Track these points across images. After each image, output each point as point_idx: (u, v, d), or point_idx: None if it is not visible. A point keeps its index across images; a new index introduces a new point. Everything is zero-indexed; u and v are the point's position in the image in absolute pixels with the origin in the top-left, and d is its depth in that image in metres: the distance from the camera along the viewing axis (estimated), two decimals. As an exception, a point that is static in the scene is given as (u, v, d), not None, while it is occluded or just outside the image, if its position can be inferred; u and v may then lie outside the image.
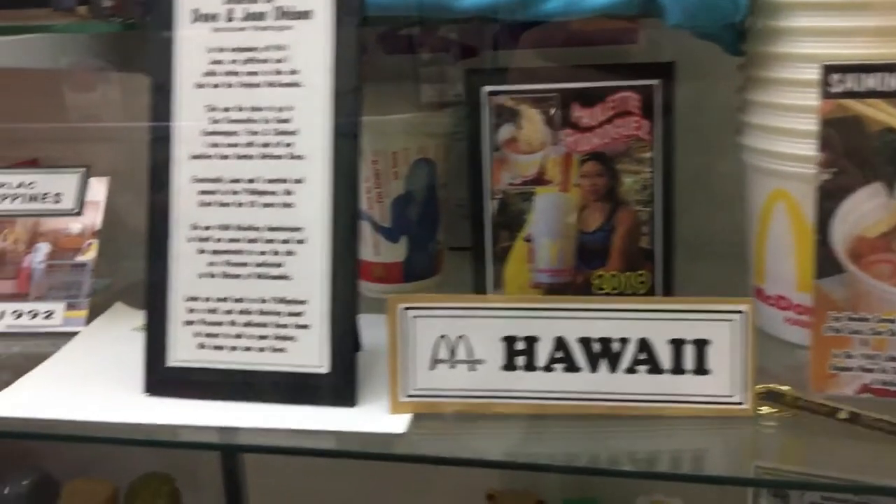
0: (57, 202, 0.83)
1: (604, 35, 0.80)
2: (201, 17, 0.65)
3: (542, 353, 0.59)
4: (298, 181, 0.63)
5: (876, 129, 0.57)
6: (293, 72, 0.63)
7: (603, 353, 0.58)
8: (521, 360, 0.59)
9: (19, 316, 0.78)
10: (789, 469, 0.58)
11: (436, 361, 0.59)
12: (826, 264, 0.58)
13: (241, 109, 0.64)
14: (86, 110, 1.00)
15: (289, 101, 0.63)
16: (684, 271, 0.73)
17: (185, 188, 0.64)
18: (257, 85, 0.63)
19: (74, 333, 0.77)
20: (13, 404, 0.65)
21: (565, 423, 0.59)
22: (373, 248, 0.79)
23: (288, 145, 0.63)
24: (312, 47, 0.63)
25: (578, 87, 0.70)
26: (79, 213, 0.82)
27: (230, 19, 0.64)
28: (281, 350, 0.63)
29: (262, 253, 0.63)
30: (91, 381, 0.68)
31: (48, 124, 0.97)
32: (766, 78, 0.65)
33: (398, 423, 0.59)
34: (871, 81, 0.56)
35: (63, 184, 0.83)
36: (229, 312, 0.64)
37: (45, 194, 0.83)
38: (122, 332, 0.76)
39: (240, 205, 0.64)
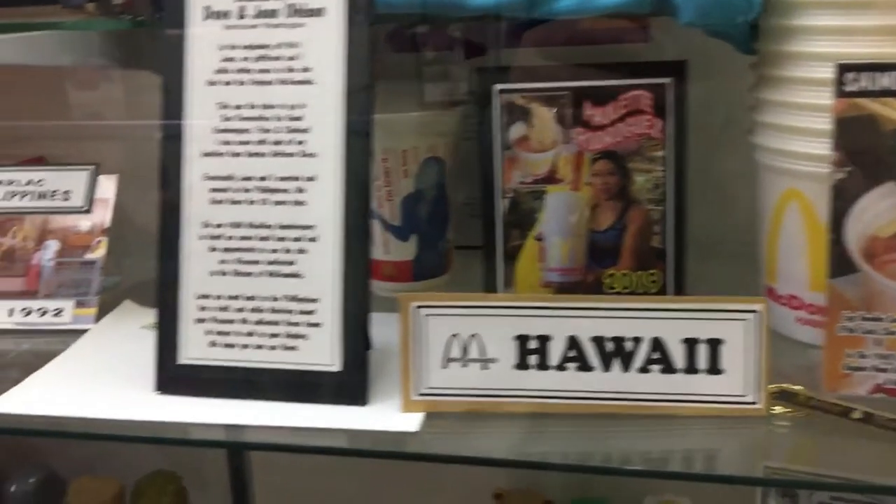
0: (66, 200, 0.83)
1: (615, 33, 0.79)
2: (213, 15, 0.64)
3: (555, 352, 0.59)
4: (310, 179, 0.62)
5: (890, 128, 0.56)
6: (305, 69, 0.63)
7: (616, 352, 0.58)
8: (533, 359, 0.59)
9: (28, 313, 0.78)
10: (798, 469, 0.58)
11: (448, 360, 0.59)
12: (840, 264, 0.58)
13: (252, 107, 0.64)
14: (93, 108, 1.00)
15: (301, 99, 0.63)
16: (695, 270, 0.73)
17: (196, 186, 0.64)
18: (269, 82, 0.63)
19: (83, 331, 0.77)
20: (23, 401, 0.65)
21: (578, 422, 0.59)
22: (383, 247, 0.79)
23: (300, 143, 0.63)
24: (324, 45, 0.62)
25: (590, 86, 0.70)
26: (88, 211, 0.82)
27: (242, 17, 0.64)
28: (292, 348, 0.63)
29: (274, 251, 0.63)
30: (100, 379, 0.68)
31: (55, 122, 0.97)
32: (779, 76, 0.65)
33: (410, 422, 0.59)
34: (885, 80, 0.56)
35: (72, 181, 0.83)
36: (241, 310, 0.63)
37: (55, 192, 0.83)
38: (131, 329, 0.76)
39: (251, 202, 0.63)
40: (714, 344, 0.58)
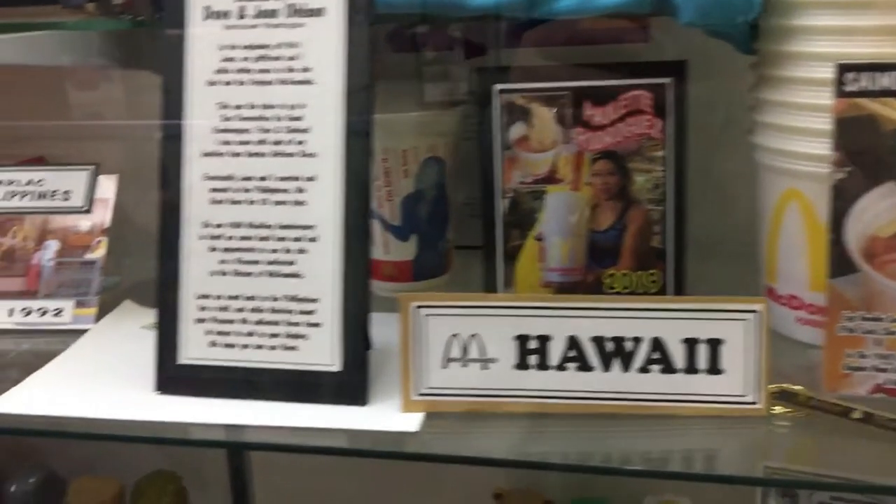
0: (66, 200, 0.83)
1: (615, 33, 0.79)
2: (213, 15, 0.64)
3: (555, 351, 0.59)
4: (310, 179, 0.62)
5: (890, 128, 0.56)
6: (305, 69, 0.63)
7: (616, 352, 0.58)
8: (533, 359, 0.59)
9: (28, 313, 0.78)
10: (798, 469, 0.58)
11: (448, 360, 0.59)
12: (840, 264, 0.58)
13: (252, 107, 0.64)
14: (93, 108, 1.00)
15: (301, 99, 0.63)
16: (695, 270, 0.73)
17: (196, 186, 0.64)
18: (269, 82, 0.63)
19: (83, 331, 0.77)
20: (22, 402, 0.65)
21: (578, 422, 0.59)
22: (383, 247, 0.79)
23: (300, 143, 0.63)
24: (324, 45, 0.62)
25: (590, 86, 0.70)
26: (88, 211, 0.82)
27: (242, 17, 0.64)
28: (292, 348, 0.63)
29: (274, 251, 0.63)
30: (100, 379, 0.68)
31: (55, 122, 0.97)
32: (779, 77, 0.65)
33: (410, 422, 0.59)
34: (885, 80, 0.56)
35: (72, 181, 0.83)
36: (241, 310, 0.63)
37: (55, 192, 0.83)
38: (131, 329, 0.76)
39: (251, 202, 0.63)
40: (714, 344, 0.58)
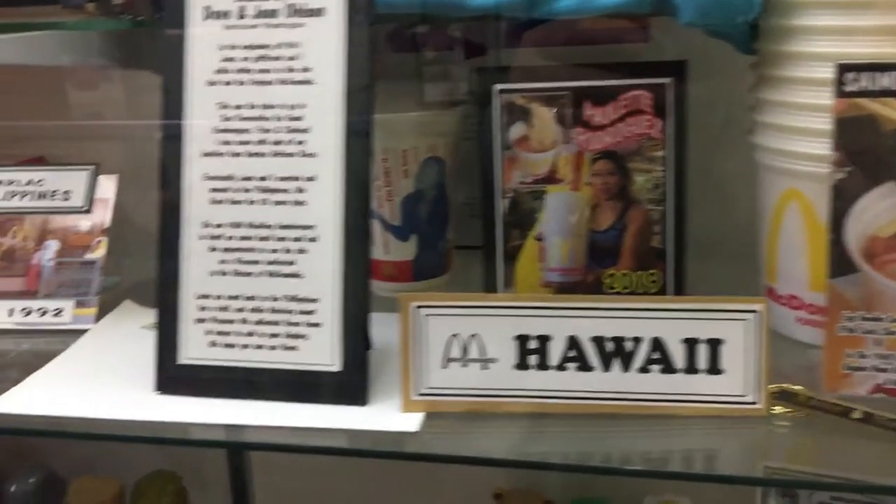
0: (66, 200, 0.83)
1: (615, 33, 0.79)
2: (213, 15, 0.64)
3: (555, 351, 0.59)
4: (310, 179, 0.62)
5: (890, 128, 0.56)
6: (305, 69, 0.63)
7: (616, 352, 0.58)
8: (533, 359, 0.59)
9: (28, 313, 0.78)
10: (798, 469, 0.58)
11: (448, 360, 0.59)
12: (840, 264, 0.58)
13: (252, 107, 0.64)
14: (93, 108, 1.00)
15: (301, 99, 0.63)
16: (695, 270, 0.73)
17: (196, 186, 0.64)
18: (269, 82, 0.63)
19: (83, 331, 0.77)
20: (22, 402, 0.65)
21: (578, 422, 0.59)
22: (383, 247, 0.79)
23: (300, 143, 0.63)
24: (324, 45, 0.62)
25: (590, 86, 0.70)
26: (88, 211, 0.82)
27: (242, 17, 0.64)
28: (292, 348, 0.63)
29: (274, 251, 0.63)
30: (100, 379, 0.68)
31: (55, 122, 0.97)
32: (779, 77, 0.65)
33: (410, 422, 0.59)
34: (885, 80, 0.56)
35: (72, 181, 0.83)
36: (241, 310, 0.63)
37: (55, 192, 0.83)
38: (131, 329, 0.76)
39: (251, 202, 0.63)
40: (714, 344, 0.58)
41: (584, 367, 0.59)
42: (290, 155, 0.63)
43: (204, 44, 0.65)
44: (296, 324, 0.63)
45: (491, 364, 0.59)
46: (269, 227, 0.63)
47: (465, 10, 0.65)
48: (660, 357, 0.58)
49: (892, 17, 0.59)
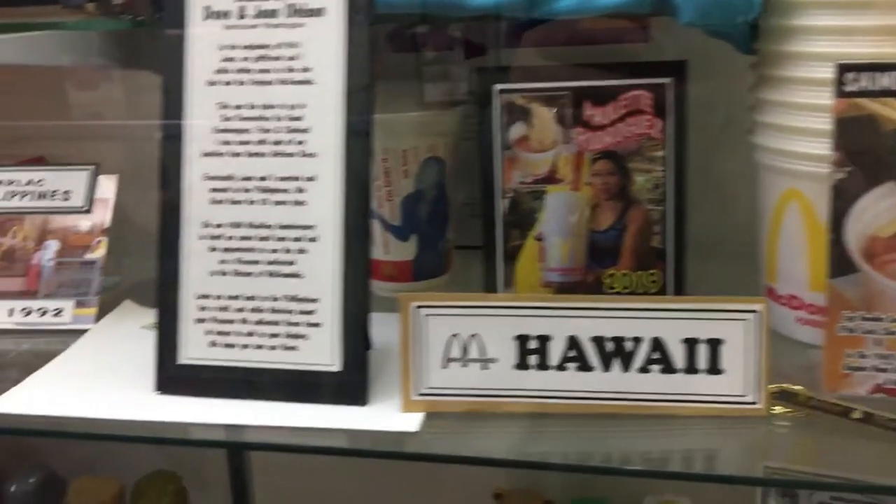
0: (66, 200, 0.83)
1: (615, 33, 0.79)
2: (213, 15, 0.64)
3: (555, 351, 0.59)
4: (310, 179, 0.62)
5: (890, 128, 0.56)
6: (305, 69, 0.63)
7: (616, 352, 0.58)
8: (533, 359, 0.59)
9: (28, 313, 0.78)
10: (798, 469, 0.58)
11: (448, 360, 0.59)
12: (840, 264, 0.58)
13: (252, 107, 0.64)
14: (93, 108, 1.00)
15: (301, 99, 0.63)
16: (695, 270, 0.73)
17: (196, 186, 0.64)
18: (269, 82, 0.63)
19: (83, 331, 0.77)
20: (22, 402, 0.65)
21: (578, 422, 0.59)
22: (383, 247, 0.79)
23: (300, 143, 0.63)
24: (324, 45, 0.62)
25: (590, 86, 0.70)
26: (88, 211, 0.82)
27: (242, 17, 0.64)
28: (292, 348, 0.63)
29: (274, 251, 0.63)
30: (100, 379, 0.68)
31: (55, 122, 0.97)
32: (779, 77, 0.65)
33: (410, 422, 0.59)
34: (885, 80, 0.56)
35: (72, 181, 0.83)
36: (241, 310, 0.63)
37: (55, 192, 0.83)
38: (131, 329, 0.76)
39: (251, 202, 0.63)
40: (714, 344, 0.58)
41: (584, 367, 0.59)
42: (290, 155, 0.63)
43: (204, 44, 0.65)
44: (296, 324, 0.63)
45: (491, 364, 0.59)
46: (269, 227, 0.63)
47: (465, 10, 0.65)
48: (660, 357, 0.58)
49: (892, 17, 0.59)
